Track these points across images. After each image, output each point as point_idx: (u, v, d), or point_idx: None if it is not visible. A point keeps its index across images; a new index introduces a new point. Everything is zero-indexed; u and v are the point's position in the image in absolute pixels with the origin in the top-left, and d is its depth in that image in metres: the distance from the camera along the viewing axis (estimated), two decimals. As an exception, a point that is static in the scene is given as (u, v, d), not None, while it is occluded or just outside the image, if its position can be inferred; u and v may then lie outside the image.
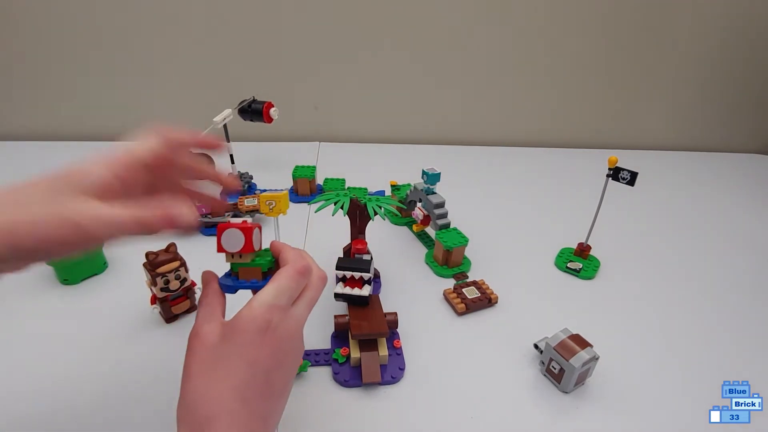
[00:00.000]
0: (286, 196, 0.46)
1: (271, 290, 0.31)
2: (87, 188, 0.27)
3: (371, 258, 0.53)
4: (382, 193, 0.78)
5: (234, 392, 0.28)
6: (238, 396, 0.28)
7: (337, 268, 0.49)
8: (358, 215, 0.53)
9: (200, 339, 0.30)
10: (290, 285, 0.32)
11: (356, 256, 0.52)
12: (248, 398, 0.28)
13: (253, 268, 0.35)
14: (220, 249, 0.35)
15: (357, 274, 0.48)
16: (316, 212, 0.51)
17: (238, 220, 0.35)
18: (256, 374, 0.29)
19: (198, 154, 0.36)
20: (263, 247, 0.37)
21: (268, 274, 0.36)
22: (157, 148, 0.31)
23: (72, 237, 0.25)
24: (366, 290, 0.48)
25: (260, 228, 0.36)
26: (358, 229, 0.54)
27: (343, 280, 0.50)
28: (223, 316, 0.33)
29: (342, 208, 0.51)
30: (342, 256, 0.56)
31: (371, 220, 0.52)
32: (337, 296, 0.49)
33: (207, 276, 0.36)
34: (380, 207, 0.51)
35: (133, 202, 0.28)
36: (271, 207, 0.44)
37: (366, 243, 0.53)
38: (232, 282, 0.36)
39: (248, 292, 0.35)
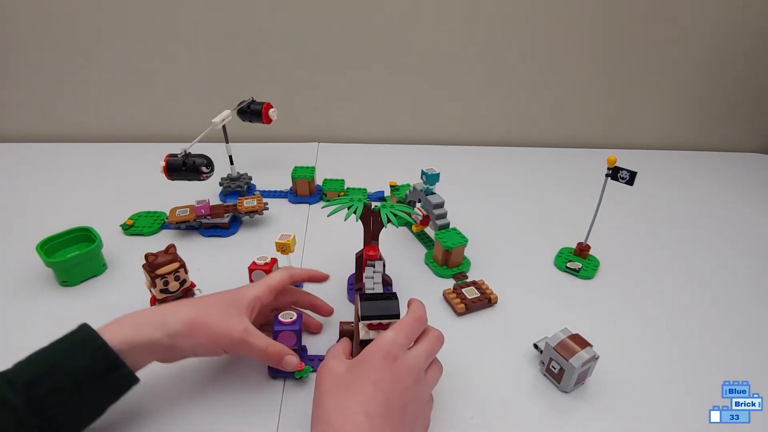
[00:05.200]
0: (294, 238, 0.53)
1: (391, 331, 0.37)
2: (243, 305, 0.42)
3: (384, 263, 0.52)
4: (381, 193, 0.78)
5: (359, 406, 0.33)
6: (362, 409, 0.32)
7: (363, 317, 0.40)
8: (372, 221, 0.52)
9: (329, 369, 0.37)
10: (408, 329, 0.38)
11: (369, 263, 0.50)
12: (371, 413, 0.32)
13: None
14: (251, 282, 0.50)
15: (386, 321, 0.41)
16: (328, 216, 0.50)
17: (262, 262, 0.51)
18: (377, 393, 0.33)
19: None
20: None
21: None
22: (284, 278, 0.46)
23: (226, 341, 0.39)
24: None
25: (277, 262, 0.53)
26: (371, 236, 0.53)
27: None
28: (348, 358, 0.40)
29: (355, 213, 0.50)
30: (354, 263, 0.55)
31: (384, 227, 0.51)
32: (363, 342, 0.41)
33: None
34: (394, 215, 0.50)
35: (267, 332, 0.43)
36: (283, 249, 0.52)
37: (378, 249, 0.52)
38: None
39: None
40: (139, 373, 0.38)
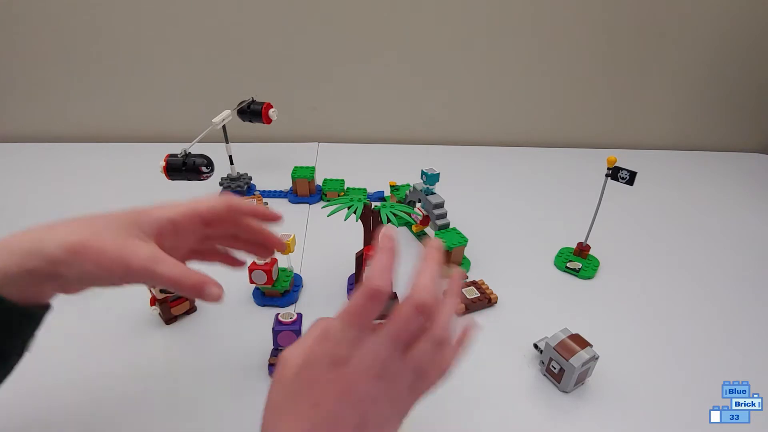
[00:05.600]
0: (294, 238, 0.53)
1: (336, 322, 0.27)
2: (146, 228, 0.32)
3: None
4: (381, 193, 0.78)
5: None
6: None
7: None
8: (372, 221, 0.52)
9: (282, 367, 0.28)
10: (357, 314, 0.27)
11: (369, 263, 0.50)
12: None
13: (274, 290, 0.53)
14: (251, 281, 0.49)
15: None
16: (328, 216, 0.50)
17: (262, 262, 0.47)
18: (318, 421, 0.25)
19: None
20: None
21: (284, 294, 0.54)
22: (217, 207, 0.35)
23: (122, 269, 0.30)
24: None
25: (277, 261, 0.50)
26: (371, 236, 0.53)
27: None
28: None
29: (355, 213, 0.50)
30: (354, 263, 0.55)
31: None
32: None
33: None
34: (394, 215, 0.50)
35: (186, 258, 0.37)
36: (283, 249, 0.51)
37: None
38: (260, 300, 0.53)
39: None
40: (138, 372, 0.37)
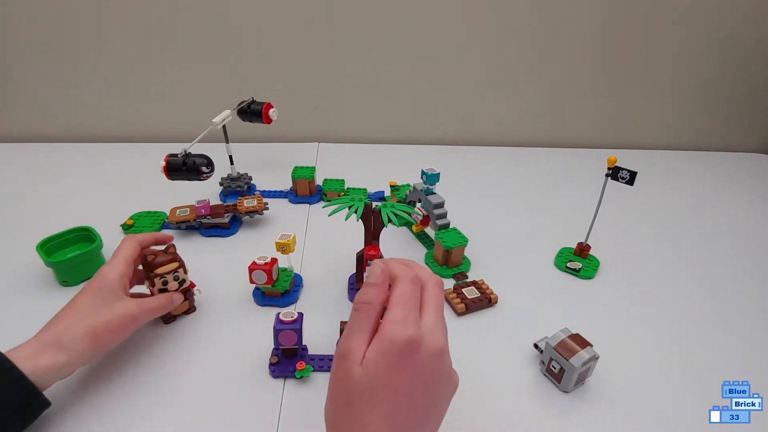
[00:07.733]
0: (294, 237, 0.53)
1: (397, 309, 0.29)
2: (117, 289, 0.43)
3: None
4: (381, 193, 0.78)
5: (382, 423, 0.28)
6: (386, 426, 0.28)
7: None
8: (373, 221, 0.52)
9: (348, 368, 0.29)
10: (412, 298, 0.30)
11: (369, 263, 0.50)
12: (396, 425, 0.28)
13: (274, 290, 0.54)
14: (251, 281, 0.52)
15: None
16: (329, 216, 0.50)
17: (261, 262, 0.51)
18: (396, 406, 0.28)
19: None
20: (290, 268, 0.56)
21: (284, 294, 0.54)
22: (135, 249, 0.47)
23: (131, 324, 0.43)
24: None
25: (277, 261, 0.53)
26: (372, 235, 0.53)
27: None
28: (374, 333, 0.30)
29: (356, 212, 0.50)
30: (355, 263, 0.55)
31: (385, 227, 0.51)
32: None
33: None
34: (395, 214, 0.50)
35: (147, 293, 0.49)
36: (283, 249, 0.52)
37: (379, 249, 0.52)
38: (261, 300, 0.54)
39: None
40: (137, 372, 0.38)
